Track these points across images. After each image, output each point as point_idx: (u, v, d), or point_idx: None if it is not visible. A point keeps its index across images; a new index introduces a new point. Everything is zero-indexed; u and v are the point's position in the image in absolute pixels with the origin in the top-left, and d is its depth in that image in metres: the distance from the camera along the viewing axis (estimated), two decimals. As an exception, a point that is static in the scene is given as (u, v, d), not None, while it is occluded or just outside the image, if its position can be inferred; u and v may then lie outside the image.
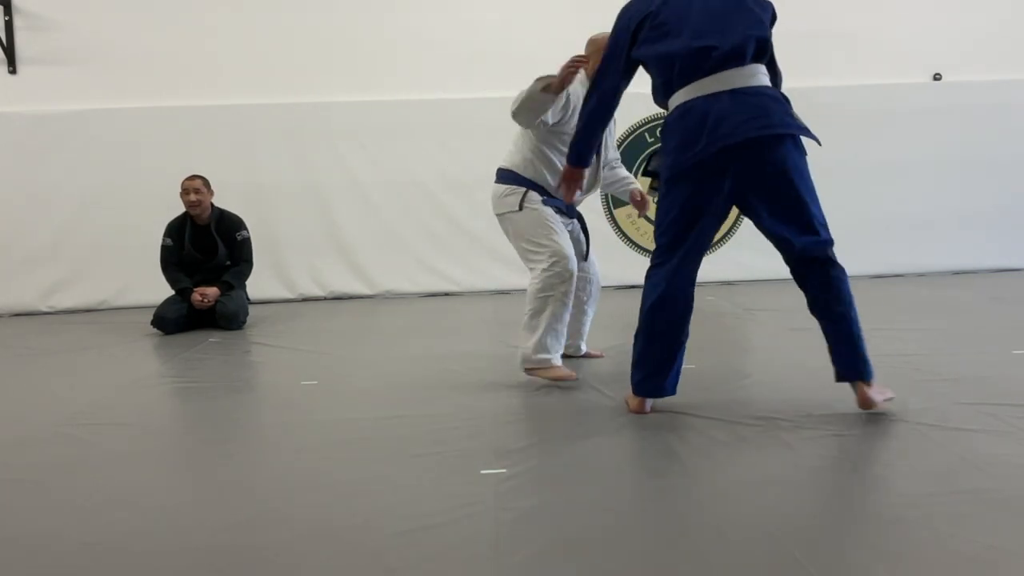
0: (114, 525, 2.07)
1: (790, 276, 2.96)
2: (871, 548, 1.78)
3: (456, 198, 6.05)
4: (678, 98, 2.72)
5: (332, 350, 4.19)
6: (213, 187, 5.19)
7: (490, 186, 3.50)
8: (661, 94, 2.82)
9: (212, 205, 5.16)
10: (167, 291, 5.01)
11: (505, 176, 3.45)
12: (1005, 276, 6.08)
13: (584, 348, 3.77)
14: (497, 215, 3.48)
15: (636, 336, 2.89)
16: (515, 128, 3.39)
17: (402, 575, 1.75)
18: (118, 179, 5.95)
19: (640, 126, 6.23)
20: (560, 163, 3.27)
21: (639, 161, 6.32)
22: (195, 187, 5.06)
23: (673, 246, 2.79)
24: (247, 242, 5.19)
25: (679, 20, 2.70)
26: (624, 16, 2.83)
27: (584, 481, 2.26)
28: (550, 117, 3.24)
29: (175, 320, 4.83)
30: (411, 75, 6.16)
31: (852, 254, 6.37)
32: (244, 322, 4.99)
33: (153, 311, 4.91)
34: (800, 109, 6.58)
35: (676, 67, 2.69)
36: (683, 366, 2.95)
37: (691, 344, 3.69)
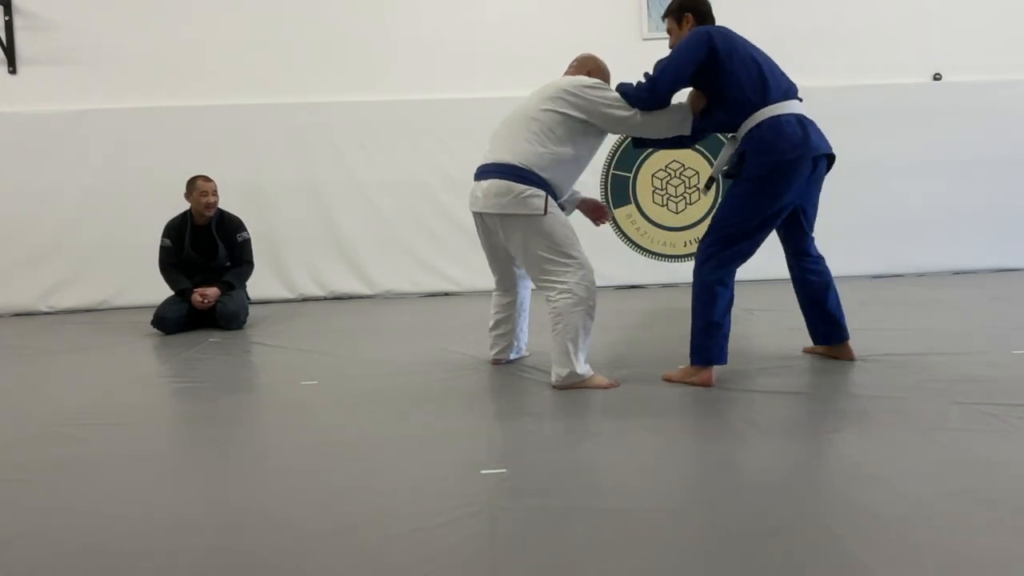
0: (114, 525, 2.07)
1: (790, 276, 3.53)
2: (871, 548, 1.78)
3: (456, 198, 6.05)
4: (764, 113, 3.16)
5: (332, 350, 4.19)
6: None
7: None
8: (737, 111, 3.21)
9: None
10: (167, 291, 5.01)
11: (521, 174, 3.19)
12: (1005, 276, 6.08)
13: (523, 350, 3.77)
14: (504, 215, 3.23)
15: (702, 315, 3.22)
16: (519, 121, 3.28)
17: (402, 575, 1.75)
18: (118, 179, 5.96)
19: (640, 126, 6.23)
20: (577, 169, 3.42)
21: (637, 161, 6.33)
22: (213, 189, 5.08)
23: (739, 238, 3.21)
24: (248, 243, 5.18)
25: (750, 56, 3.26)
26: (704, 41, 3.19)
27: (584, 481, 2.26)
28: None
29: (175, 320, 4.83)
30: (411, 75, 6.17)
31: (852, 254, 6.46)
32: (244, 322, 4.99)
33: (153, 311, 4.91)
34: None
35: (761, 90, 3.19)
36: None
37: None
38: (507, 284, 3.64)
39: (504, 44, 6.08)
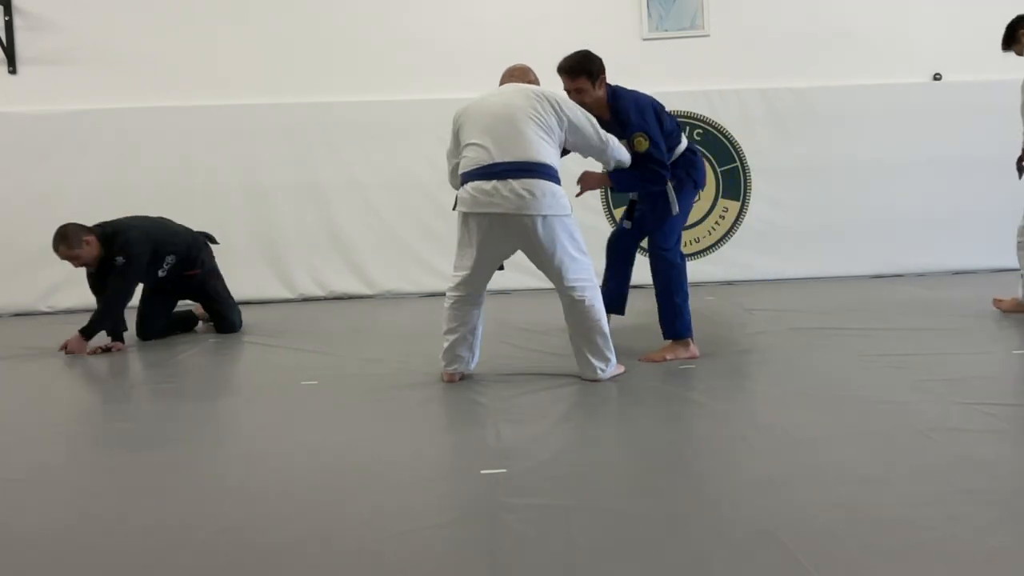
0: (113, 525, 2.07)
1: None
2: (871, 548, 1.78)
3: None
4: (683, 144, 3.81)
5: (332, 350, 4.19)
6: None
7: None
8: (668, 149, 3.71)
9: (100, 240, 4.40)
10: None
11: (551, 173, 3.18)
12: (1005, 276, 6.07)
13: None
14: (544, 216, 3.14)
15: (683, 298, 3.70)
16: (532, 125, 3.22)
17: (402, 575, 1.75)
18: (118, 179, 5.95)
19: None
20: None
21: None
22: (74, 255, 4.32)
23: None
24: (122, 267, 4.39)
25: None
26: (653, 106, 3.72)
27: (585, 481, 2.26)
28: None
29: (159, 333, 4.76)
30: (411, 75, 6.16)
31: (852, 254, 6.45)
32: (240, 324, 4.95)
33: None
34: (800, 109, 6.63)
35: (678, 129, 3.82)
36: (683, 367, 3.54)
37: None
38: (478, 294, 3.43)
39: (504, 44, 6.06)
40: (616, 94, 3.62)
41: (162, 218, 4.82)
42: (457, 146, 3.37)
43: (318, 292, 6.18)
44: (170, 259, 4.66)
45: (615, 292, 4.08)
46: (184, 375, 3.79)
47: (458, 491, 2.19)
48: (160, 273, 4.67)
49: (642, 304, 5.45)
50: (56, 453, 2.67)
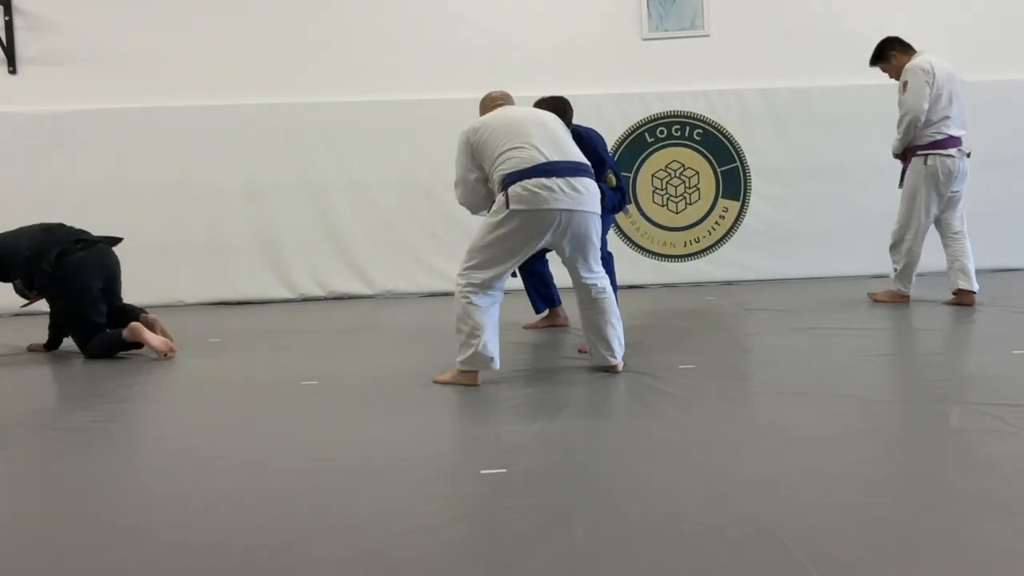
0: (113, 524, 2.07)
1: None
2: (871, 548, 1.78)
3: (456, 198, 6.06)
4: None
5: (332, 350, 4.19)
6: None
7: None
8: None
9: None
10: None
11: (593, 174, 3.41)
12: (1005, 276, 6.08)
13: None
14: (594, 212, 3.31)
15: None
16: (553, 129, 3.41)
17: (402, 575, 1.75)
18: (118, 179, 5.96)
19: (640, 126, 6.23)
20: None
21: (637, 161, 6.32)
22: None
23: None
24: None
25: None
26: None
27: (585, 481, 2.26)
28: None
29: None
30: (411, 75, 6.17)
31: (852, 254, 6.45)
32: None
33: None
34: (800, 109, 6.62)
35: None
36: (683, 366, 3.49)
37: (691, 344, 3.70)
38: (502, 291, 3.41)
39: (504, 44, 6.08)
40: (580, 133, 3.87)
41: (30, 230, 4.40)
42: (473, 162, 3.37)
43: (318, 292, 6.19)
44: (18, 283, 4.37)
45: (538, 291, 4.49)
46: (183, 375, 3.78)
47: (458, 491, 2.19)
48: (27, 295, 4.44)
49: (640, 304, 5.47)
50: (52, 453, 2.67)
